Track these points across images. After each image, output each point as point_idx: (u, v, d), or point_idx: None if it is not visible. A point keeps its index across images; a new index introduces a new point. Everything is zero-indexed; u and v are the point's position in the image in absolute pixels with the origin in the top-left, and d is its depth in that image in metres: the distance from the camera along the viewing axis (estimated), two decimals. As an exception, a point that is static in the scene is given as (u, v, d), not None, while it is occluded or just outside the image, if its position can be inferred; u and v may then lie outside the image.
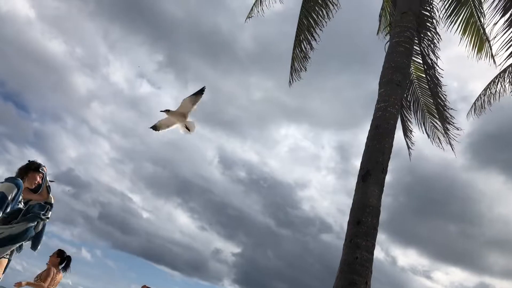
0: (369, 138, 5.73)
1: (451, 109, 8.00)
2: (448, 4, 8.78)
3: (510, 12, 7.12)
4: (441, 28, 8.19)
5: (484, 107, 8.76)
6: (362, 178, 5.43)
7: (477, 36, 8.82)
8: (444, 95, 7.92)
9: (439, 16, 8.00)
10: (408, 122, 8.84)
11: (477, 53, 8.87)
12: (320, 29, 8.12)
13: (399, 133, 8.66)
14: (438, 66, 7.68)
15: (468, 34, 8.93)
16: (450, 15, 8.90)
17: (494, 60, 8.51)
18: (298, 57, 8.40)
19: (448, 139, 8.37)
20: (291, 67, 8.49)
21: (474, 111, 8.83)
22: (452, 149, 8.44)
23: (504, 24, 7.21)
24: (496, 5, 7.46)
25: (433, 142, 8.54)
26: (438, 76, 7.78)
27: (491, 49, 8.57)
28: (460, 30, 8.92)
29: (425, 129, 8.61)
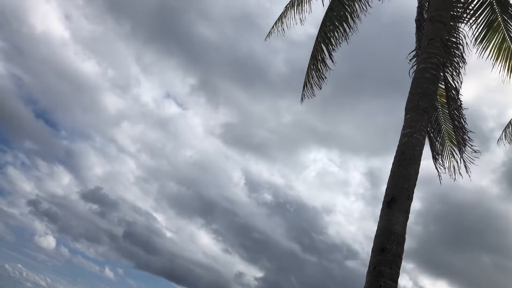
0: (394, 164, 5.68)
1: (470, 131, 7.88)
2: (478, 31, 8.75)
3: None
4: (471, 54, 8.16)
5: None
6: (387, 204, 5.37)
7: (511, 61, 8.74)
8: (464, 118, 7.82)
9: (466, 42, 7.99)
10: (437, 149, 8.74)
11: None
12: (334, 49, 8.11)
13: (430, 161, 8.57)
14: (457, 94, 7.63)
15: (501, 59, 8.85)
16: (481, 41, 8.85)
17: None
18: (312, 75, 8.41)
19: (464, 163, 8.24)
20: (305, 84, 8.53)
21: (505, 137, 8.65)
22: (468, 173, 8.29)
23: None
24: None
25: (450, 170, 8.42)
26: (459, 100, 7.73)
27: None
28: (493, 56, 8.86)
29: (442, 156, 8.50)
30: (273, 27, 9.67)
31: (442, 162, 8.81)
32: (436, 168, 8.75)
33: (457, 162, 8.47)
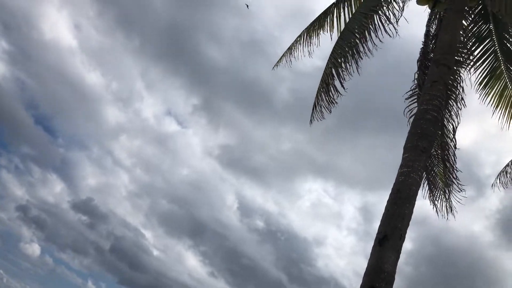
0: (389, 202, 5.66)
1: (459, 170, 7.93)
2: (481, 77, 8.92)
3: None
4: (473, 100, 8.28)
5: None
6: (379, 242, 5.32)
7: (511, 109, 8.88)
8: (454, 159, 7.87)
9: (466, 86, 8.12)
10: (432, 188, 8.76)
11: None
12: (344, 78, 8.20)
13: (426, 202, 8.58)
14: (454, 136, 7.72)
15: (501, 107, 8.99)
16: (484, 87, 9.02)
17: None
18: (322, 98, 8.48)
19: (450, 204, 8.25)
20: (314, 106, 8.59)
21: (499, 183, 8.72)
22: (453, 214, 8.32)
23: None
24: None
25: (442, 210, 8.43)
26: (454, 142, 7.81)
27: None
28: (494, 103, 9.01)
29: (434, 196, 8.53)
30: (282, 57, 9.84)
31: (434, 202, 8.83)
32: (435, 209, 8.74)
33: (449, 204, 8.48)
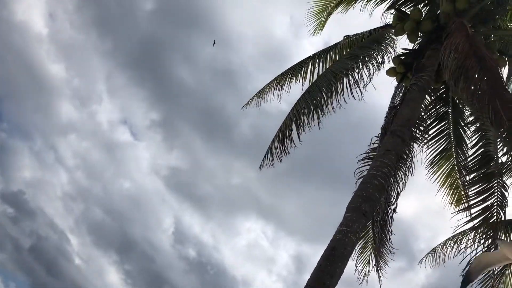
0: (323, 257, 5.73)
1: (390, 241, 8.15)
2: (433, 155, 9.37)
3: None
4: (420, 175, 8.65)
5: (442, 262, 8.95)
6: (305, 295, 5.37)
7: (455, 191, 9.29)
8: (389, 228, 8.12)
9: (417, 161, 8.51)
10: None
11: (452, 206, 9.30)
12: (302, 131, 8.40)
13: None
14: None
15: (446, 187, 9.42)
16: (434, 165, 9.45)
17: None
18: (276, 147, 8.63)
19: (380, 272, 8.46)
20: (267, 153, 8.72)
21: (426, 260, 9.03)
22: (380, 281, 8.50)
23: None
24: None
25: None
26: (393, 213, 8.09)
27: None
28: (440, 181, 9.44)
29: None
30: (252, 98, 10.02)
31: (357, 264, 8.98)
32: (378, 274, 8.80)
33: (379, 270, 8.64)
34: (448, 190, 9.46)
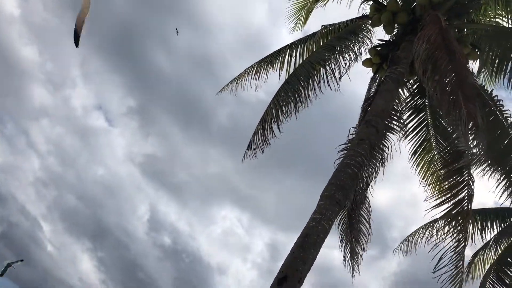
0: (296, 244, 5.81)
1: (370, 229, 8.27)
2: (414, 147, 9.51)
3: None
4: (396, 166, 8.78)
5: (414, 250, 9.19)
6: (278, 281, 5.43)
7: (434, 183, 9.45)
8: (366, 217, 8.25)
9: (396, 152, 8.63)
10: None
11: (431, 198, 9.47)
12: (282, 121, 8.46)
13: (335, 252, 8.81)
14: (370, 195, 8.11)
15: (426, 177, 9.58)
16: (414, 157, 9.59)
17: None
18: (258, 137, 8.68)
19: (355, 260, 8.59)
20: (249, 144, 8.76)
21: (400, 249, 9.22)
22: (357, 270, 8.63)
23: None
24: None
25: (351, 265, 8.71)
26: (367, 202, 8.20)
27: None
28: (420, 173, 9.59)
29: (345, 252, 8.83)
30: (228, 84, 10.00)
31: (345, 255, 9.09)
32: (352, 264, 8.91)
33: (354, 259, 8.77)
34: (428, 180, 9.61)
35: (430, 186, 9.59)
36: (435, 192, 9.24)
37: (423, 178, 9.64)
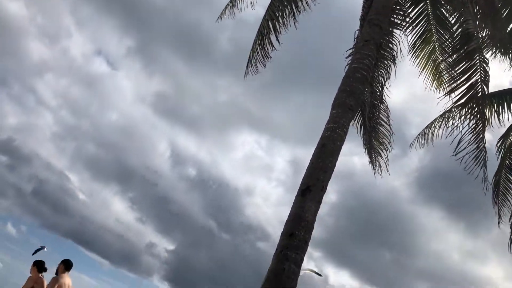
0: (314, 155, 5.91)
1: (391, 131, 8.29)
2: (414, 39, 9.23)
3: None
4: (405, 62, 8.58)
5: (431, 141, 9.23)
6: (302, 193, 5.60)
7: (435, 72, 9.30)
8: (384, 120, 8.23)
9: (400, 49, 8.39)
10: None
11: (435, 88, 9.35)
12: (280, 31, 8.21)
13: (351, 157, 8.93)
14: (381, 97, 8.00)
15: (427, 69, 9.41)
16: (415, 49, 9.35)
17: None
18: (257, 51, 8.50)
19: (377, 161, 8.70)
20: (249, 60, 8.61)
21: (417, 143, 9.28)
22: (380, 173, 8.76)
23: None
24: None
25: (374, 168, 8.84)
26: (384, 102, 8.14)
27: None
28: (421, 65, 9.41)
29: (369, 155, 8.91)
30: (225, 8, 9.62)
31: (371, 159, 9.20)
32: (373, 166, 9.05)
33: (378, 161, 8.87)
34: (429, 72, 9.45)
35: (435, 77, 9.43)
36: (442, 82, 9.16)
37: (423, 69, 9.46)
